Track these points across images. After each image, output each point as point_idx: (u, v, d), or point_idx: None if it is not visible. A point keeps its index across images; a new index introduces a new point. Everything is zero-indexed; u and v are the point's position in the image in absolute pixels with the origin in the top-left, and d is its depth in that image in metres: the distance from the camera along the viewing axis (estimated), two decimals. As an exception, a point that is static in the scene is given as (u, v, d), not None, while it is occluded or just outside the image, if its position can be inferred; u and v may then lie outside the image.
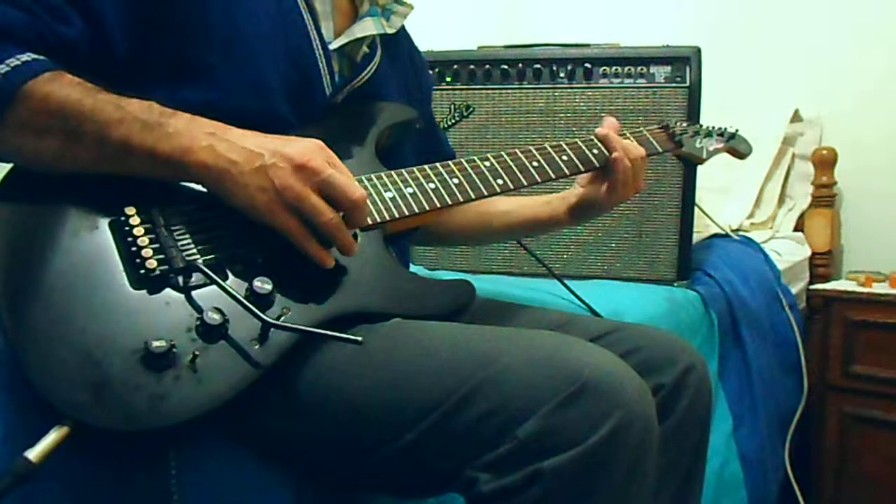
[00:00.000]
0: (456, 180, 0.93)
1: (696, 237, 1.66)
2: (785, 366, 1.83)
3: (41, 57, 0.73)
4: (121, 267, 0.72)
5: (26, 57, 0.72)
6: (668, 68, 1.53)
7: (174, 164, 0.73)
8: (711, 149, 1.22)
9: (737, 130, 1.28)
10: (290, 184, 0.74)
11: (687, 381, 0.90)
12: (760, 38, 2.30)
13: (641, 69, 1.54)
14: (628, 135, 1.11)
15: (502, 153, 0.99)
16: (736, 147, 1.27)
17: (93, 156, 0.73)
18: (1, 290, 0.67)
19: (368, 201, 0.81)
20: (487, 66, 1.60)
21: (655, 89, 1.54)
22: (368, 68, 0.99)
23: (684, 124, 1.21)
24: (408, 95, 1.07)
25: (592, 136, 1.07)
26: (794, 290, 1.94)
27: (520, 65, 1.58)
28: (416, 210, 0.88)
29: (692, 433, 0.92)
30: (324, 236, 0.77)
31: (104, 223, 0.74)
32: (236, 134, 0.75)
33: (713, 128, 1.25)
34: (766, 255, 1.86)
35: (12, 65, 0.71)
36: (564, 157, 1.03)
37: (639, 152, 1.07)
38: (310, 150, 0.76)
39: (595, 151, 1.06)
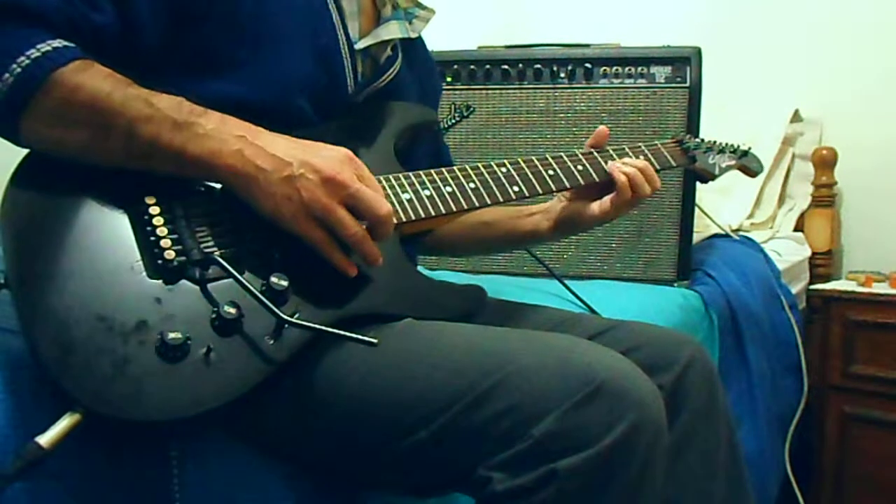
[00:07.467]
0: (472, 185, 0.92)
1: (696, 237, 1.66)
2: (785, 366, 1.83)
3: (71, 44, 0.72)
4: (138, 256, 0.71)
5: (57, 43, 0.71)
6: (668, 68, 1.53)
7: (202, 165, 0.73)
8: (724, 165, 1.23)
9: (749, 148, 1.28)
10: (317, 196, 0.73)
11: (689, 378, 0.90)
12: (760, 38, 2.30)
13: (641, 69, 1.54)
14: (643, 147, 1.10)
15: (518, 159, 0.98)
16: (747, 165, 1.28)
17: (120, 151, 0.72)
18: (16, 274, 0.67)
19: None
20: (487, 66, 1.60)
21: (655, 89, 1.54)
22: (391, 70, 0.99)
23: (697, 139, 1.21)
24: (423, 99, 1.08)
25: (607, 150, 1.06)
26: (794, 290, 1.94)
27: (520, 65, 1.58)
28: (433, 213, 0.87)
29: (705, 426, 0.91)
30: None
31: (123, 212, 0.74)
32: (267, 138, 0.75)
33: (726, 144, 1.25)
34: (766, 255, 1.86)
35: (43, 50, 0.70)
36: (580, 167, 1.02)
37: (641, 166, 1.04)
38: (339, 161, 0.75)
39: (598, 165, 1.04)
